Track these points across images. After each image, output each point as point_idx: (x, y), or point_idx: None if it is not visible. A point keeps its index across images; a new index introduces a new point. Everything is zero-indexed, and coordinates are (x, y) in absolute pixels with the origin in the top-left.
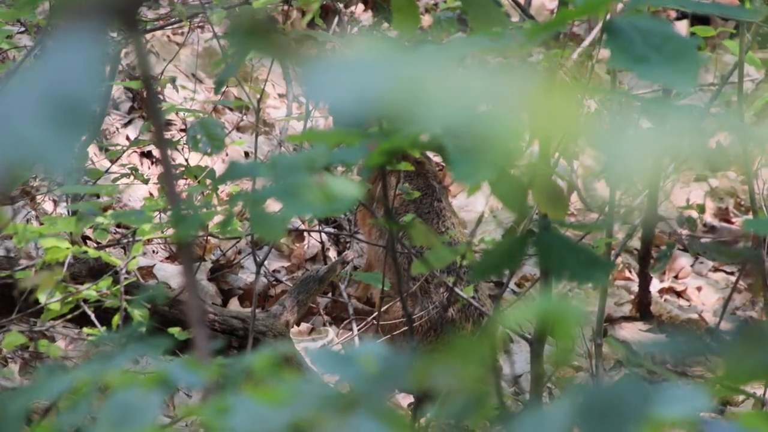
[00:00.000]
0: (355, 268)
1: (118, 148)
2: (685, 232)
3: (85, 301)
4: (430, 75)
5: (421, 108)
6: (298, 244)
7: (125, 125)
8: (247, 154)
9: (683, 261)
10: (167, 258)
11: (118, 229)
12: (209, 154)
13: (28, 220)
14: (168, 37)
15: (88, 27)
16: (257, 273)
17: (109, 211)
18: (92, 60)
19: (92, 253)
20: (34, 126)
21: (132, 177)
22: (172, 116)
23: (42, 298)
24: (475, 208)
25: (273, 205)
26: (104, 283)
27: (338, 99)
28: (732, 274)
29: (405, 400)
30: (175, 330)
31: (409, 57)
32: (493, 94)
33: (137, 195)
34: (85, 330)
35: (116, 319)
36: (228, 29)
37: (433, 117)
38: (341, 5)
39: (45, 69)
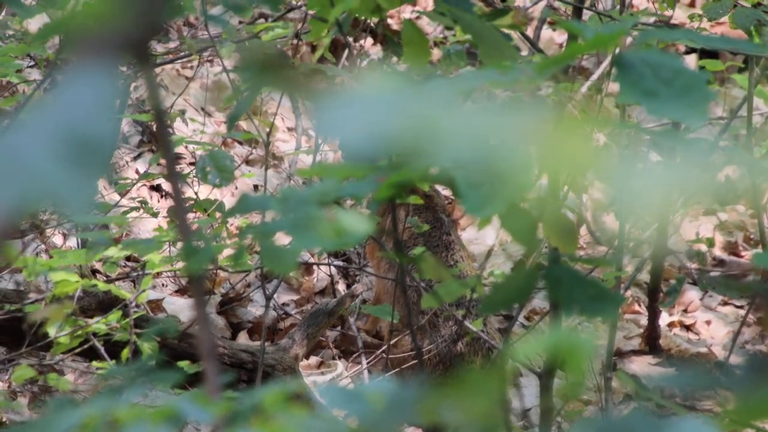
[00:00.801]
0: (364, 301)
1: (128, 181)
2: (694, 265)
3: (95, 334)
4: (441, 111)
5: (432, 144)
6: (307, 278)
7: (135, 159)
8: (256, 187)
9: (692, 294)
10: (177, 291)
11: (127, 263)
12: (218, 186)
13: (37, 254)
14: (177, 70)
15: (100, 62)
16: (266, 306)
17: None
18: (107, 96)
19: (102, 286)
20: (51, 164)
21: (141, 210)
22: (181, 149)
23: (51, 331)
24: (485, 241)
25: (282, 239)
26: (114, 316)
27: (350, 135)
28: (741, 308)
29: None
30: (184, 363)
31: (420, 92)
32: (502, 128)
33: (147, 228)
34: (95, 363)
35: (125, 353)
36: (240, 64)
37: (444, 153)
38: (351, 39)
39: (59, 105)
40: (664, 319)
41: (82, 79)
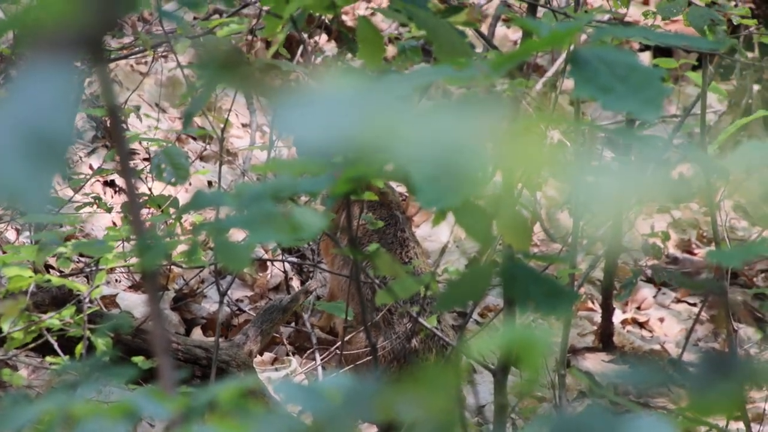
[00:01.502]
0: (318, 297)
1: (82, 176)
2: (649, 262)
3: (49, 329)
4: (397, 109)
5: (389, 142)
6: (261, 274)
7: (89, 154)
8: (210, 183)
9: (646, 292)
10: (130, 287)
11: (81, 258)
12: (174, 183)
13: None
14: (132, 66)
15: (55, 57)
16: (220, 302)
17: (72, 240)
18: (63, 92)
19: (55, 281)
20: (9, 161)
21: (95, 206)
22: (135, 145)
23: (5, 326)
24: (439, 238)
25: (237, 235)
26: (67, 311)
27: (307, 133)
28: (694, 305)
29: (369, 429)
30: (138, 359)
31: (376, 89)
32: (458, 126)
33: (100, 224)
34: (49, 359)
35: (79, 348)
36: (195, 61)
37: (401, 151)
38: (305, 35)
39: (16, 101)
40: (617, 316)
41: (38, 75)
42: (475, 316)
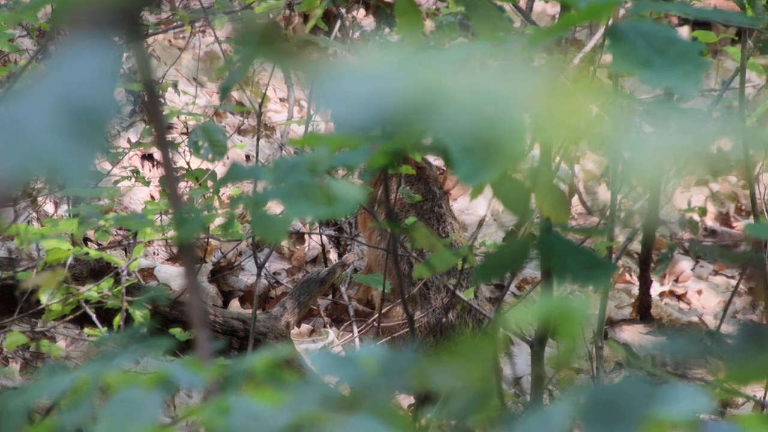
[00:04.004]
0: (355, 270)
1: (120, 150)
2: (686, 235)
3: (87, 301)
4: (436, 79)
5: (428, 114)
6: (298, 247)
7: (127, 128)
8: (248, 157)
9: (684, 264)
10: (168, 260)
11: (119, 231)
12: (211, 160)
13: (29, 222)
14: (169, 41)
15: (94, 32)
16: (258, 275)
17: (111, 214)
18: (104, 67)
19: (93, 254)
20: (50, 135)
21: (133, 179)
22: (173, 119)
23: (43, 298)
24: (477, 211)
25: (274, 208)
26: (105, 284)
27: (345, 107)
28: (732, 277)
29: (406, 400)
30: (176, 331)
31: (414, 65)
32: (497, 94)
33: (138, 197)
34: (86, 330)
35: (117, 320)
36: (234, 36)
37: (439, 122)
38: (343, 10)
39: (57, 75)
40: (655, 288)
41: (78, 50)
42: (512, 288)
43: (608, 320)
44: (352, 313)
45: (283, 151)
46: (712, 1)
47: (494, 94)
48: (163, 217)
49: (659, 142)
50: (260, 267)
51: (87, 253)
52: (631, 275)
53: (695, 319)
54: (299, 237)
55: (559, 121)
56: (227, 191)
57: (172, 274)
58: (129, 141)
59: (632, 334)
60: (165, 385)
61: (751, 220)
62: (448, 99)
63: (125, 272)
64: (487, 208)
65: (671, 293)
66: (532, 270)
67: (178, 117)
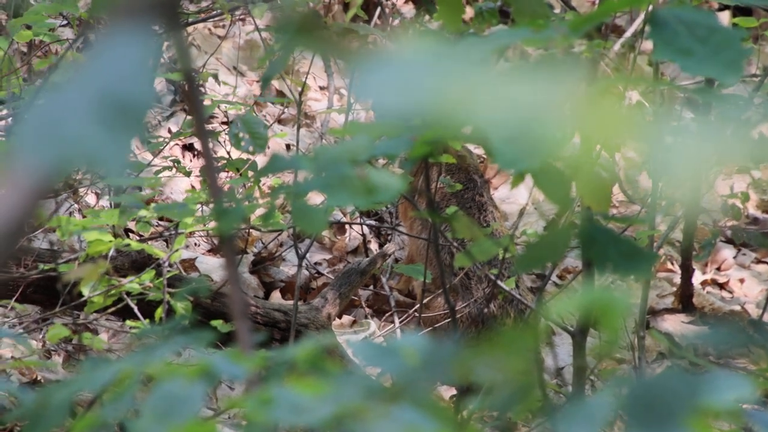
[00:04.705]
0: (396, 260)
1: (160, 140)
2: (728, 222)
3: (128, 293)
4: (476, 72)
5: (468, 106)
6: (339, 237)
7: (167, 118)
8: (288, 146)
9: (726, 253)
10: (209, 251)
11: (160, 222)
12: (252, 153)
13: (71, 213)
14: (209, 30)
15: (133, 22)
16: (299, 266)
17: (152, 204)
18: (143, 58)
19: (135, 245)
20: (90, 127)
21: (174, 169)
22: (214, 109)
23: (85, 290)
24: (517, 200)
25: (314, 198)
26: (147, 275)
27: (385, 97)
28: None
29: (447, 392)
30: (217, 322)
31: (455, 52)
32: (536, 89)
33: (179, 188)
34: (128, 323)
35: (159, 312)
36: (274, 24)
37: (479, 114)
38: None
39: (96, 67)
40: (697, 277)
41: (118, 40)
42: (553, 278)
43: (650, 310)
44: (393, 303)
45: (324, 140)
46: None
47: (533, 84)
48: (204, 207)
49: (700, 130)
50: (301, 258)
51: (128, 245)
52: (672, 264)
53: (737, 307)
54: (340, 227)
55: (598, 113)
56: (268, 181)
57: (213, 266)
58: (169, 131)
59: (674, 323)
60: (207, 377)
61: None
62: (485, 91)
63: (167, 264)
64: (528, 196)
65: (713, 282)
66: (573, 259)
67: (218, 106)
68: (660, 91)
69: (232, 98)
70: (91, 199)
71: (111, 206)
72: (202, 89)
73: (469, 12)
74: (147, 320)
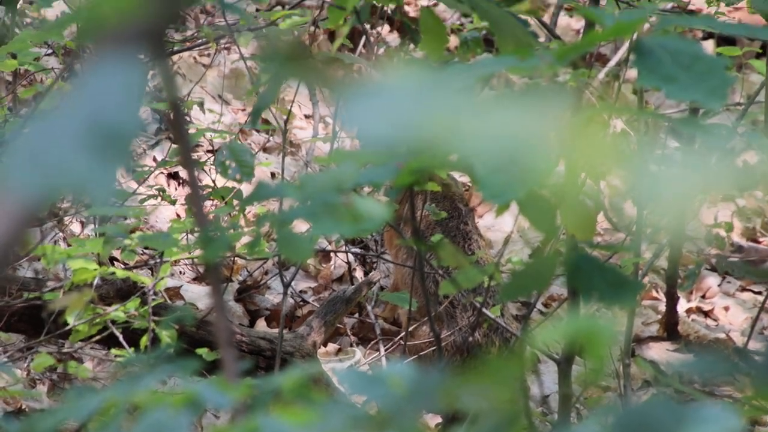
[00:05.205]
0: (381, 288)
1: (145, 169)
2: (713, 250)
3: (113, 322)
4: (460, 102)
5: (453, 135)
6: (324, 265)
7: (152, 147)
8: (273, 174)
9: (711, 281)
10: (194, 279)
11: (145, 251)
12: (239, 181)
13: (56, 242)
14: (194, 58)
15: (119, 51)
16: (284, 294)
17: (137, 233)
18: (128, 85)
19: (120, 273)
20: (76, 155)
21: (159, 198)
22: (199, 138)
23: (70, 319)
24: (503, 228)
25: (300, 226)
26: (132, 304)
27: (371, 126)
28: (760, 293)
29: (433, 420)
30: (203, 351)
31: (439, 81)
32: (521, 118)
33: (164, 216)
34: (114, 351)
35: (144, 340)
36: (260, 53)
37: (465, 143)
38: (368, 26)
39: (83, 96)
40: (682, 305)
41: (104, 68)
42: (539, 305)
43: (635, 337)
44: (378, 331)
45: (309, 169)
46: (736, 15)
47: (517, 114)
48: (189, 236)
49: (684, 160)
50: (286, 286)
51: (113, 273)
52: (657, 292)
53: (722, 335)
54: (325, 255)
55: (583, 143)
56: (253, 209)
57: (198, 294)
58: (155, 159)
59: (659, 351)
60: (192, 405)
61: None
62: (470, 120)
63: (152, 292)
64: (513, 224)
65: (698, 309)
66: (558, 287)
67: (204, 135)
68: (644, 120)
69: (217, 126)
70: (76, 227)
71: (96, 235)
72: (187, 118)
73: (454, 41)
74: (132, 349)
